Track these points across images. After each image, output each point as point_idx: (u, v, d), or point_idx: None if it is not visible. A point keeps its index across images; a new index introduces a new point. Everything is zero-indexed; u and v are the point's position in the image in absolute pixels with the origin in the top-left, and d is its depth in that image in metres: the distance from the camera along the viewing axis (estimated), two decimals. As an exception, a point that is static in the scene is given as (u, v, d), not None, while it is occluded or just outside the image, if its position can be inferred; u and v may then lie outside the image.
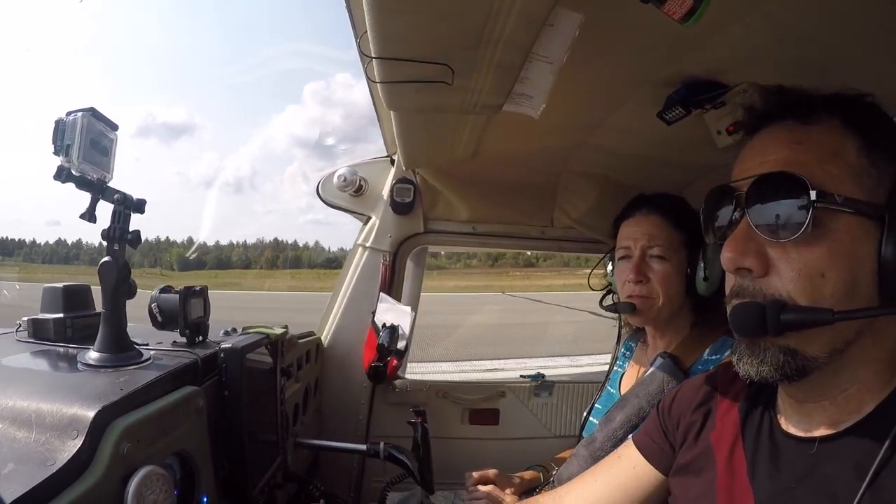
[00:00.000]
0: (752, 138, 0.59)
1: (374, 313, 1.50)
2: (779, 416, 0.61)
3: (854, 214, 0.51)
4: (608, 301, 1.24)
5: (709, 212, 0.61)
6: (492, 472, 1.23)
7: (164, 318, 0.87)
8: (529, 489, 1.26)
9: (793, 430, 0.58)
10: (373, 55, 0.72)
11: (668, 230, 1.08)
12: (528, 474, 1.29)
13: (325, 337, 1.67)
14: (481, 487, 1.16)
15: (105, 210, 0.71)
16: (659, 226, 1.09)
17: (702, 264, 1.04)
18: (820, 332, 0.51)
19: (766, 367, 0.53)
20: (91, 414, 0.55)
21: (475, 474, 1.22)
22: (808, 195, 0.50)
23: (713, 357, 1.01)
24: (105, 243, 0.71)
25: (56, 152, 0.66)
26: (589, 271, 1.36)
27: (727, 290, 0.58)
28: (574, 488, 0.82)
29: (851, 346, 0.52)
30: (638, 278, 1.09)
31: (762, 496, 0.56)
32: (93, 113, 0.67)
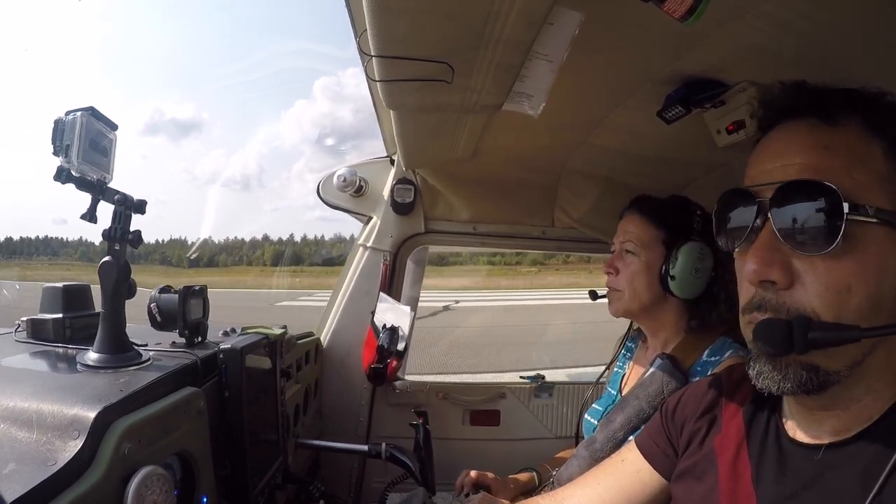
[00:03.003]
0: (770, 135, 0.57)
1: (373, 313, 1.50)
2: (784, 422, 0.60)
3: (881, 225, 0.48)
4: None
5: (723, 215, 0.57)
6: (489, 475, 1.23)
7: (163, 319, 0.87)
8: (525, 491, 1.26)
9: (799, 437, 0.57)
10: (372, 54, 0.72)
11: (644, 227, 1.11)
12: (523, 476, 1.30)
13: (325, 337, 1.67)
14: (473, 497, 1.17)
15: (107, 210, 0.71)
16: (636, 223, 1.12)
17: (672, 263, 1.04)
18: (844, 348, 0.49)
19: (788, 384, 0.51)
20: (92, 414, 0.55)
21: (472, 474, 1.23)
22: (841, 207, 0.47)
23: (712, 359, 1.01)
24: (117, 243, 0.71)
25: (55, 152, 0.66)
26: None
27: (742, 300, 0.56)
28: (575, 491, 0.81)
29: (868, 358, 0.51)
30: (608, 270, 1.15)
31: (766, 501, 0.56)
32: (92, 112, 0.67)
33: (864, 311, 0.49)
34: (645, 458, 0.76)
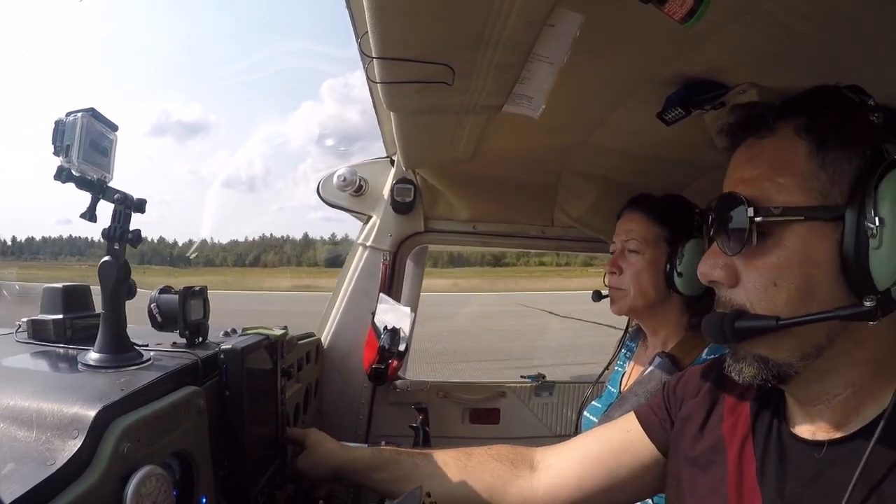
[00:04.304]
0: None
1: (373, 313, 1.50)
2: (788, 416, 0.61)
3: (803, 221, 0.52)
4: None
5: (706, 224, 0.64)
6: None
7: (163, 319, 0.87)
8: None
9: (800, 432, 0.58)
10: (373, 55, 0.72)
11: (647, 225, 1.11)
12: None
13: (325, 337, 1.67)
14: None
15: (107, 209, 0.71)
16: (637, 221, 1.12)
17: (679, 260, 1.05)
18: (782, 339, 0.53)
19: (745, 374, 0.56)
20: (92, 413, 0.55)
21: None
22: (746, 211, 0.53)
23: (712, 357, 1.02)
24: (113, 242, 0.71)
25: (56, 153, 0.66)
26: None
27: None
28: (572, 440, 0.86)
29: (828, 351, 0.52)
30: (611, 269, 1.14)
31: (769, 498, 0.56)
32: (92, 113, 0.67)
33: (794, 304, 0.52)
34: (639, 421, 0.78)
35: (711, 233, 0.58)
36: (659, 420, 0.75)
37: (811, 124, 0.54)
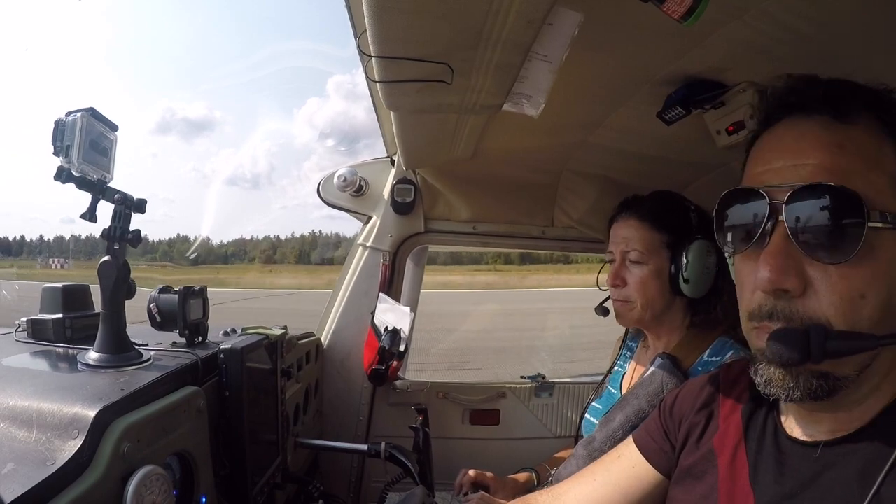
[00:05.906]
0: (776, 131, 0.54)
1: (373, 313, 1.50)
2: (782, 419, 0.60)
3: (892, 230, 0.47)
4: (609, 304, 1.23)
5: (727, 217, 0.55)
6: (488, 474, 1.23)
7: (163, 319, 0.87)
8: (524, 491, 1.26)
9: (796, 434, 0.57)
10: (372, 54, 0.72)
11: (646, 233, 1.07)
12: (521, 476, 1.30)
13: (325, 337, 1.67)
14: (472, 496, 1.17)
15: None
16: (636, 229, 1.08)
17: (684, 265, 1.02)
18: (856, 355, 0.48)
19: (798, 392, 0.50)
20: (92, 414, 0.55)
21: (471, 472, 1.23)
22: (863, 214, 0.45)
23: (713, 359, 1.01)
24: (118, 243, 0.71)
25: (56, 153, 0.66)
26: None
27: (747, 305, 0.53)
28: (572, 486, 0.81)
29: (875, 361, 0.51)
30: (615, 283, 1.10)
31: (764, 500, 0.55)
32: (92, 113, 0.67)
33: (876, 319, 0.48)
34: (641, 453, 0.76)
35: (773, 227, 0.49)
36: (659, 447, 0.74)
37: (894, 122, 0.49)
